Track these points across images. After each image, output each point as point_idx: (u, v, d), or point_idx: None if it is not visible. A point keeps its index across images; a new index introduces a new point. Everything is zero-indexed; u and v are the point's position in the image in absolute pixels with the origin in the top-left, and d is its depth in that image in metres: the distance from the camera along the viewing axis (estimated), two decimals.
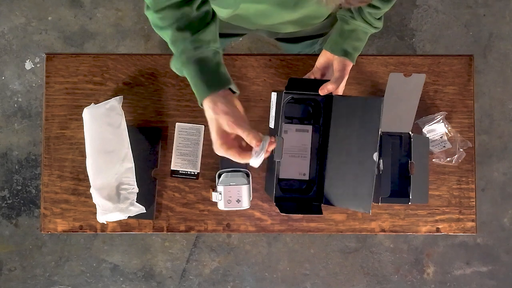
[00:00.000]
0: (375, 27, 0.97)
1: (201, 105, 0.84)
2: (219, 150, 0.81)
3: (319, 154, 1.02)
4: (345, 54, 0.96)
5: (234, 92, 0.85)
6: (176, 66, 0.86)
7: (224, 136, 0.81)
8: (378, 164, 1.01)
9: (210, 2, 0.87)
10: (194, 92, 0.84)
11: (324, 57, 0.99)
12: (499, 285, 1.92)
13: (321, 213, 1.00)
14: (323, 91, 0.95)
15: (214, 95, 0.81)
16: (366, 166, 0.89)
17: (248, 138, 0.79)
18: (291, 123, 1.02)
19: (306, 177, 1.02)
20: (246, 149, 0.82)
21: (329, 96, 0.98)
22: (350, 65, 0.97)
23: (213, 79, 0.83)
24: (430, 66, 1.11)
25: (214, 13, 0.87)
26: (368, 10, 0.94)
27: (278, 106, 0.98)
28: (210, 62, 0.84)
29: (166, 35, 0.85)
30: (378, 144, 0.87)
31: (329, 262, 1.90)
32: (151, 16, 0.85)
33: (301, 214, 1.06)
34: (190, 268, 1.89)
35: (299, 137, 1.02)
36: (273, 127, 1.01)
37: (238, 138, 0.83)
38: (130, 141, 1.03)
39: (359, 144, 0.92)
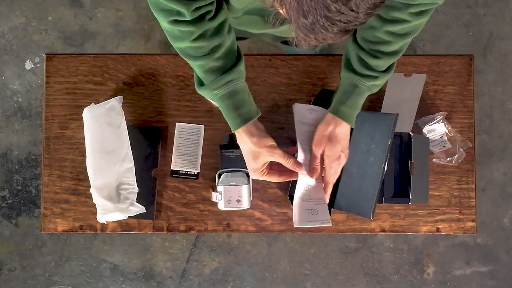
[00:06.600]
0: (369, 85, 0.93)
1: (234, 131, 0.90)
2: (261, 177, 0.92)
3: None
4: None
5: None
6: (208, 96, 0.88)
7: (265, 164, 0.91)
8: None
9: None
10: (227, 121, 0.89)
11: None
12: (499, 285, 1.92)
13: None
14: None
15: (248, 125, 0.88)
16: (373, 173, 0.95)
17: (292, 167, 0.91)
18: None
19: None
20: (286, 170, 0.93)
21: None
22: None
23: (247, 111, 0.88)
24: (430, 66, 1.11)
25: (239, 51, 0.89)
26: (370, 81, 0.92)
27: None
28: (243, 93, 0.88)
29: (199, 65, 0.85)
30: (387, 154, 0.94)
31: (329, 262, 1.90)
32: (183, 45, 0.83)
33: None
34: (190, 268, 1.89)
35: None
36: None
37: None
38: (130, 141, 1.03)
39: (370, 154, 0.97)
